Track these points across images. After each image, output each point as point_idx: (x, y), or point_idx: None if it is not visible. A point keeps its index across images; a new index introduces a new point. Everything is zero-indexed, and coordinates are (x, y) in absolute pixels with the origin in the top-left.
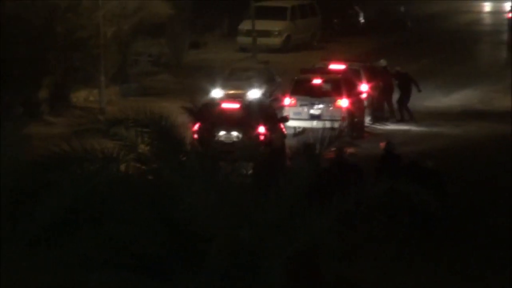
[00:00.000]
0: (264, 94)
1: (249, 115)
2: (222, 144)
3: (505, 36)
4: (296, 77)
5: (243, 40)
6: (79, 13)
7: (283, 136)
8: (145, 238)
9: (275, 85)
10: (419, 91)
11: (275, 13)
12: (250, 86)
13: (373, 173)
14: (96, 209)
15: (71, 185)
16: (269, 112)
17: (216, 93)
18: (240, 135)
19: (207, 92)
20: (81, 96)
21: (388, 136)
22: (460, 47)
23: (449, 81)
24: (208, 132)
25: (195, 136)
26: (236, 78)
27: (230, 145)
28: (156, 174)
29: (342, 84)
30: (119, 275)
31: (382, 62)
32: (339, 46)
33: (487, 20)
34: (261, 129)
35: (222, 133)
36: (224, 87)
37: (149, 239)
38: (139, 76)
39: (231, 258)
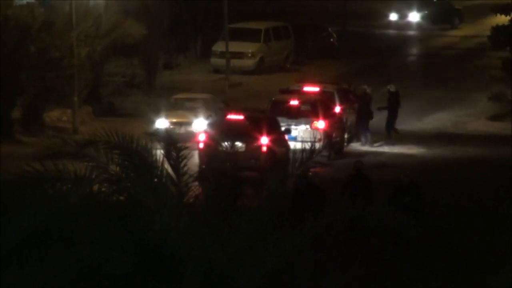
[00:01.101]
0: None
1: (252, 127)
2: (226, 154)
3: (480, 61)
4: (273, 98)
5: (216, 61)
6: (53, 33)
7: (288, 148)
8: (117, 259)
9: (220, 115)
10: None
11: (249, 35)
12: (195, 116)
13: (341, 190)
14: (68, 229)
15: (42, 205)
16: (272, 124)
17: (161, 123)
18: (244, 146)
19: (152, 122)
20: (54, 116)
21: (362, 156)
22: (434, 71)
23: (423, 104)
24: (212, 142)
25: (201, 146)
26: (180, 108)
27: (234, 155)
28: (128, 195)
29: (319, 106)
30: None
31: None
32: (313, 69)
33: (462, 44)
34: (264, 140)
35: (227, 143)
36: (168, 116)
37: (121, 260)
38: (112, 96)
39: (204, 280)
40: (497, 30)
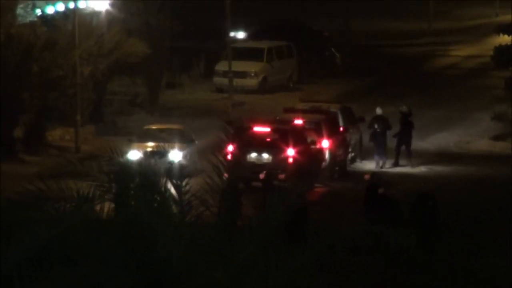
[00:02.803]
0: (184, 156)
1: (279, 138)
2: (253, 165)
3: (482, 81)
4: (277, 117)
5: (219, 81)
6: (55, 52)
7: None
8: (119, 279)
9: (192, 147)
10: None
11: (252, 54)
12: (168, 146)
13: (361, 205)
14: (70, 248)
15: (45, 224)
16: (299, 136)
17: (133, 154)
18: (271, 157)
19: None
20: (56, 135)
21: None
22: (437, 90)
23: (425, 124)
24: (240, 153)
25: (229, 157)
26: (150, 139)
27: (261, 167)
28: (130, 215)
29: (323, 126)
30: None
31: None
32: (316, 88)
33: (464, 64)
34: (291, 152)
35: (253, 154)
36: (138, 148)
37: (123, 279)
38: (115, 115)
39: None
40: (500, 49)
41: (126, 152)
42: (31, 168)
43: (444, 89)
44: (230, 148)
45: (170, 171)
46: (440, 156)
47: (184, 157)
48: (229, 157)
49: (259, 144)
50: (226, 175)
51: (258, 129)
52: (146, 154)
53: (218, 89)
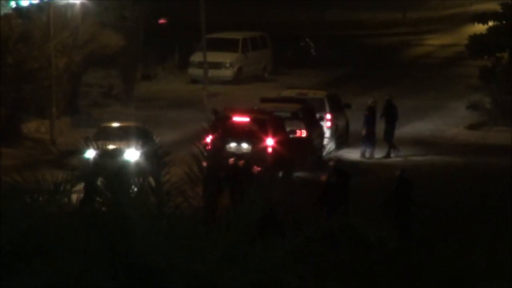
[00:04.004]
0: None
1: (258, 128)
2: (233, 155)
3: (457, 70)
4: (255, 107)
5: (194, 72)
6: (30, 44)
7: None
8: (98, 270)
9: (151, 145)
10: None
11: (227, 45)
12: (125, 145)
13: (386, 199)
14: (47, 240)
15: (21, 216)
16: (279, 126)
17: (90, 153)
18: (250, 147)
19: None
20: (32, 127)
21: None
22: (412, 80)
23: (401, 113)
24: (220, 143)
25: (208, 147)
26: (105, 137)
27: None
28: (108, 206)
29: (302, 114)
30: None
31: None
32: (291, 78)
33: (439, 53)
34: (270, 142)
35: (232, 144)
36: (96, 146)
37: (101, 271)
38: (90, 107)
39: None
40: (475, 39)
41: (82, 151)
42: (7, 160)
43: (420, 79)
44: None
45: (125, 170)
46: (416, 145)
47: (142, 155)
48: (209, 147)
49: (239, 134)
50: (205, 164)
51: (237, 119)
52: (101, 153)
53: (193, 80)
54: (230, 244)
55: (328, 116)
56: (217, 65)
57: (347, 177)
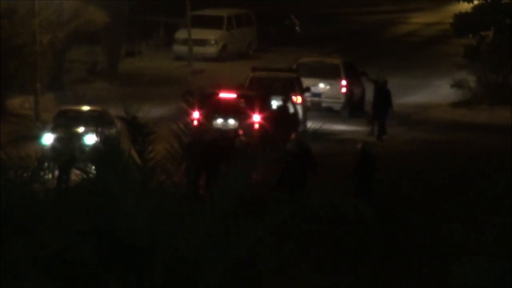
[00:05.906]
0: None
1: (245, 105)
2: (219, 131)
3: (442, 48)
4: (250, 75)
5: (179, 49)
6: (15, 21)
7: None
8: (81, 247)
9: (112, 129)
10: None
11: (211, 22)
12: (85, 129)
13: (351, 172)
14: (30, 217)
15: (4, 192)
16: (267, 102)
17: (48, 138)
18: (237, 123)
19: (38, 137)
20: (16, 103)
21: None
22: (396, 58)
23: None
24: (206, 119)
25: (195, 123)
26: (64, 122)
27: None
28: (93, 183)
29: (295, 84)
30: (50, 285)
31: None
32: (275, 56)
33: (424, 31)
34: (256, 118)
35: (219, 120)
36: (54, 131)
37: (84, 248)
38: (75, 83)
39: (169, 268)
40: (460, 17)
41: (39, 136)
42: None
43: (404, 57)
44: (196, 114)
45: (83, 154)
46: (400, 123)
47: (101, 140)
48: (195, 123)
49: (225, 110)
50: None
51: (224, 95)
52: (59, 137)
53: (177, 57)
54: (213, 222)
55: (343, 82)
56: (201, 42)
57: (309, 151)
